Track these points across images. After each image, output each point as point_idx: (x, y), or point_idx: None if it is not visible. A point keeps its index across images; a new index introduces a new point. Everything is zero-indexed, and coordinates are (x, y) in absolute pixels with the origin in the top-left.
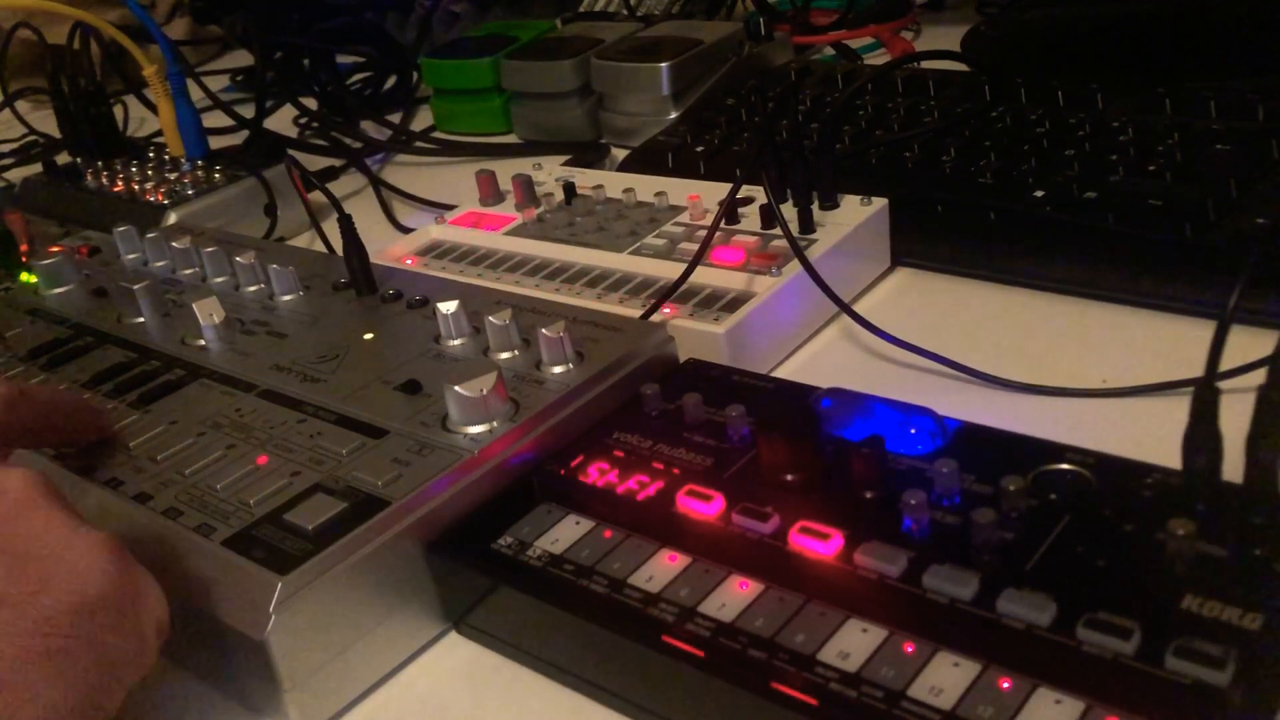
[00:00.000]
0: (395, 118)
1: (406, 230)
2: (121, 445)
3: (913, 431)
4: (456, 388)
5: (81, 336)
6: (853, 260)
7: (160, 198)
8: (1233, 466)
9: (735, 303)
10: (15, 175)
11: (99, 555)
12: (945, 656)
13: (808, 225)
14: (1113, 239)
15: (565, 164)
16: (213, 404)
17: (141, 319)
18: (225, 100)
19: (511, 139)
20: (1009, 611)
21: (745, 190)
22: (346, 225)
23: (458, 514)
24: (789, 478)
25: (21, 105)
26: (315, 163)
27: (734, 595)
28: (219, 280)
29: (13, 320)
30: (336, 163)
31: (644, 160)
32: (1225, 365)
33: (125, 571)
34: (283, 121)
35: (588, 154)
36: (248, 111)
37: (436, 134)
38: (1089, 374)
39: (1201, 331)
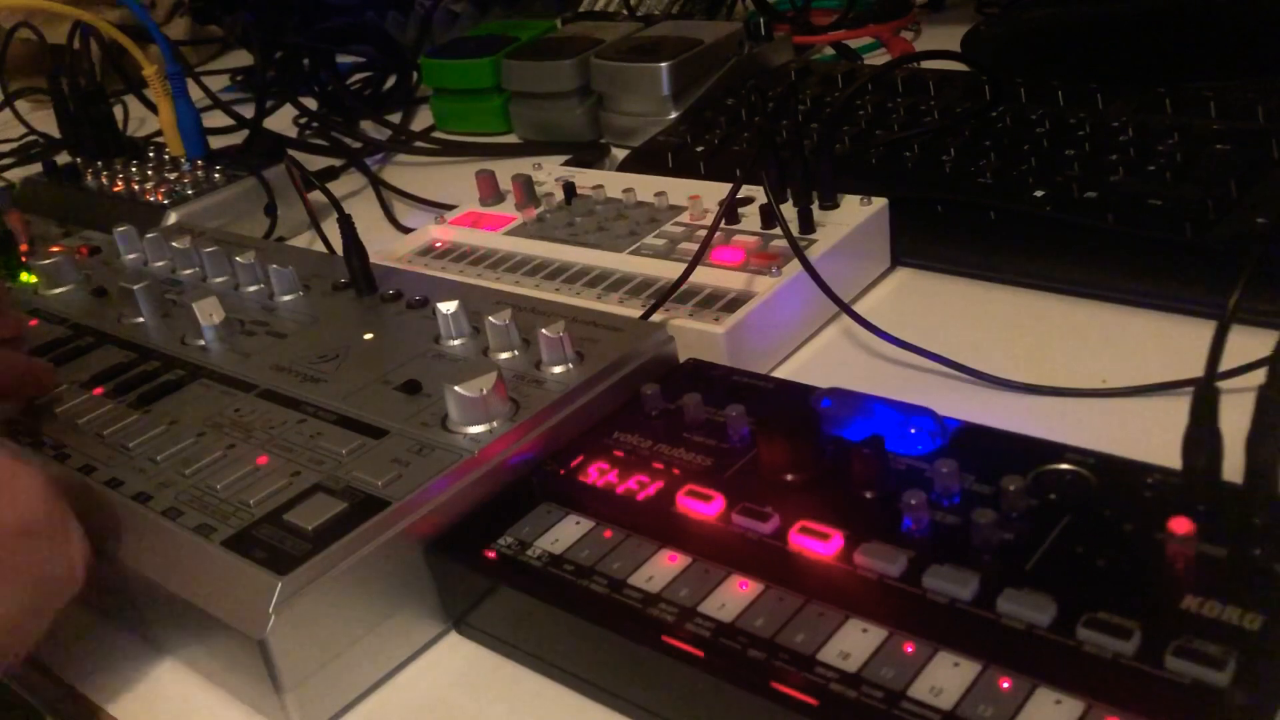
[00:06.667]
0: (395, 118)
1: (406, 230)
2: (121, 445)
3: (913, 431)
4: (456, 388)
5: (81, 336)
6: (853, 260)
7: (160, 198)
8: (1233, 466)
9: (735, 303)
10: (15, 175)
11: (37, 487)
12: (945, 656)
13: (808, 225)
14: (1113, 239)
15: (565, 164)
16: (213, 404)
17: (141, 319)
18: (225, 100)
19: (511, 139)
20: (1009, 611)
21: (745, 190)
22: (346, 225)
23: (458, 514)
24: (789, 478)
25: (21, 105)
26: (315, 163)
27: (734, 595)
28: (219, 280)
29: None
30: (336, 163)
31: (644, 160)
32: (1225, 365)
33: (58, 505)
34: (283, 121)
35: (588, 154)
36: (248, 111)
37: (436, 134)
38: (1089, 374)
39: (1201, 331)
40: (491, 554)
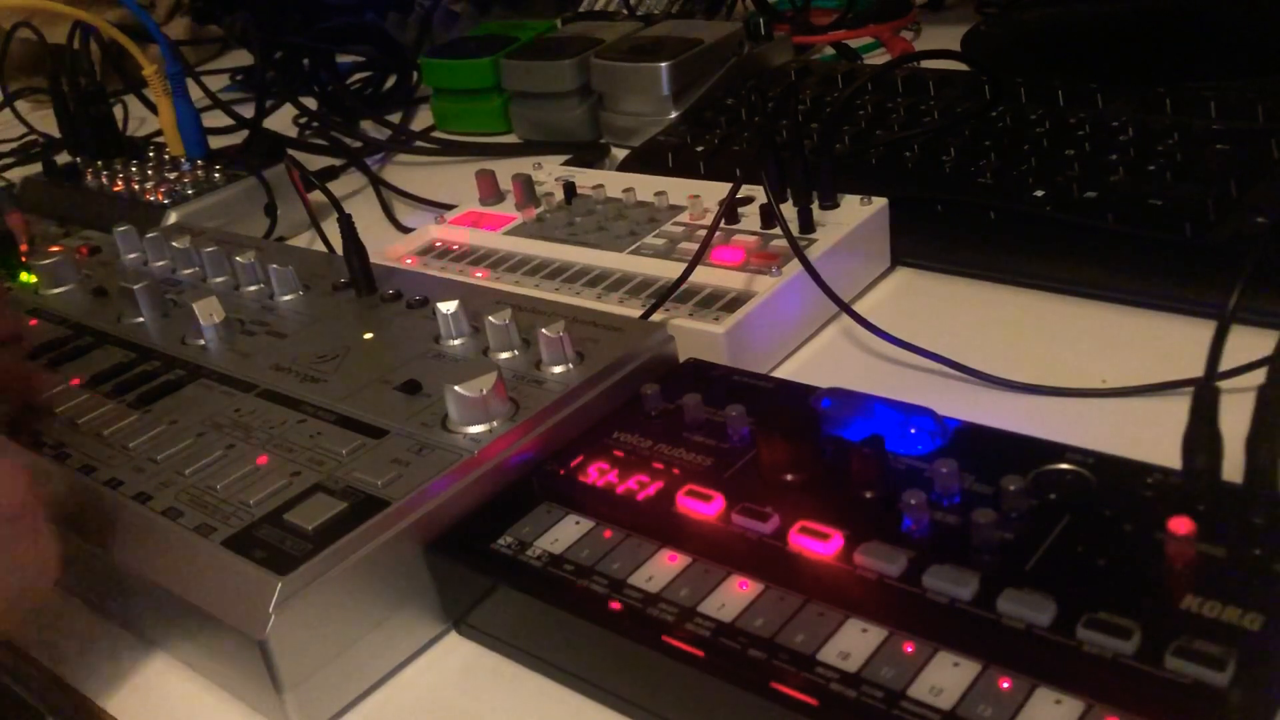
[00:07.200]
0: (395, 118)
1: (406, 230)
2: (121, 445)
3: (913, 431)
4: (456, 388)
5: (81, 336)
6: (853, 260)
7: (160, 197)
8: (1233, 466)
9: (735, 303)
10: (15, 175)
11: (16, 476)
12: (945, 656)
13: (808, 225)
14: (1113, 239)
15: (565, 164)
16: (213, 404)
17: (141, 319)
18: (225, 100)
19: (511, 139)
20: (1009, 611)
21: (745, 190)
22: (346, 225)
23: (458, 514)
24: (789, 478)
25: (21, 105)
26: (315, 163)
27: (734, 595)
28: (219, 280)
29: None
30: (336, 163)
31: (644, 160)
32: (1225, 365)
33: (35, 495)
34: (283, 121)
35: (588, 154)
36: (248, 111)
37: (436, 134)
38: (1089, 374)
39: (1201, 331)
40: (492, 553)
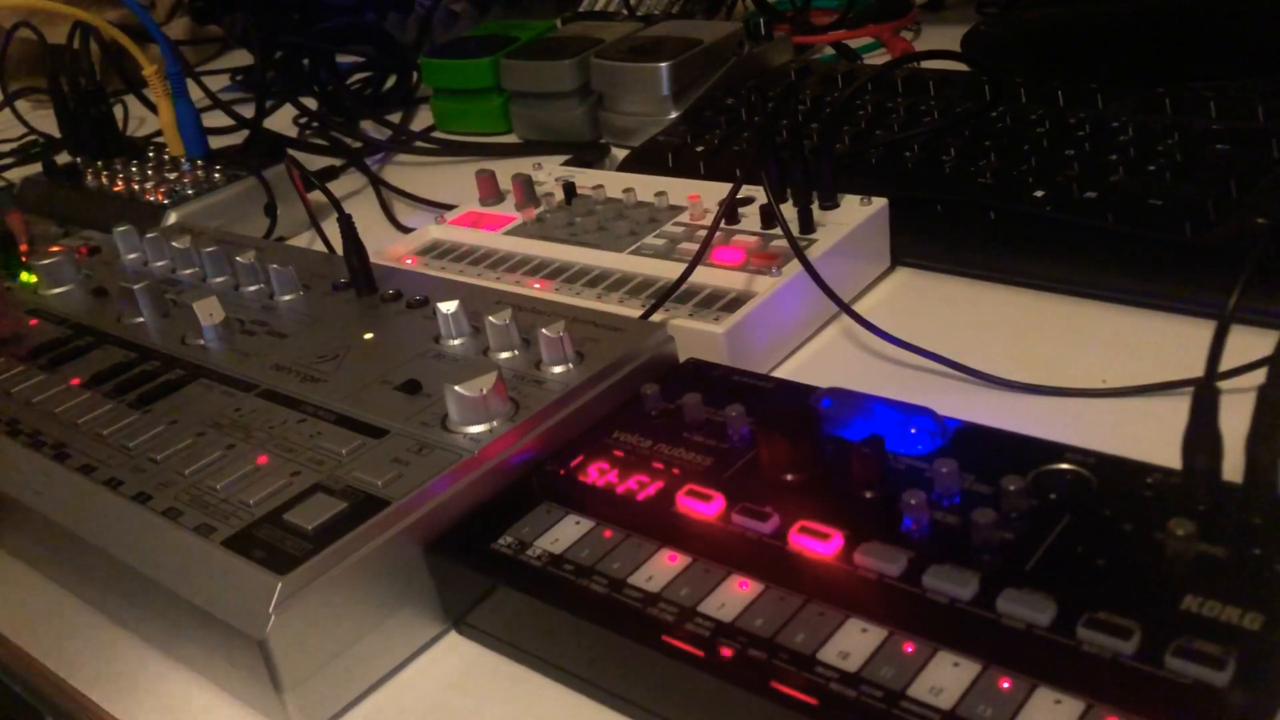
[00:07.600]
0: (395, 117)
1: (406, 230)
2: (121, 445)
3: (913, 431)
4: (456, 388)
5: (81, 336)
6: (853, 260)
7: (160, 197)
8: (1233, 466)
9: (735, 303)
10: (15, 175)
11: None
12: (945, 656)
13: (808, 225)
14: (1113, 239)
15: (565, 164)
16: (213, 404)
17: (141, 319)
18: (225, 100)
19: (511, 139)
20: (1009, 611)
21: (745, 190)
22: (346, 225)
23: (458, 514)
24: (789, 478)
25: (21, 105)
26: (315, 163)
27: (734, 595)
28: (219, 280)
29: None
30: (336, 163)
31: (644, 160)
32: (1225, 365)
33: None
34: (283, 121)
35: (588, 154)
36: (248, 111)
37: (436, 134)
38: (1089, 374)
39: (1201, 331)
40: (492, 553)
